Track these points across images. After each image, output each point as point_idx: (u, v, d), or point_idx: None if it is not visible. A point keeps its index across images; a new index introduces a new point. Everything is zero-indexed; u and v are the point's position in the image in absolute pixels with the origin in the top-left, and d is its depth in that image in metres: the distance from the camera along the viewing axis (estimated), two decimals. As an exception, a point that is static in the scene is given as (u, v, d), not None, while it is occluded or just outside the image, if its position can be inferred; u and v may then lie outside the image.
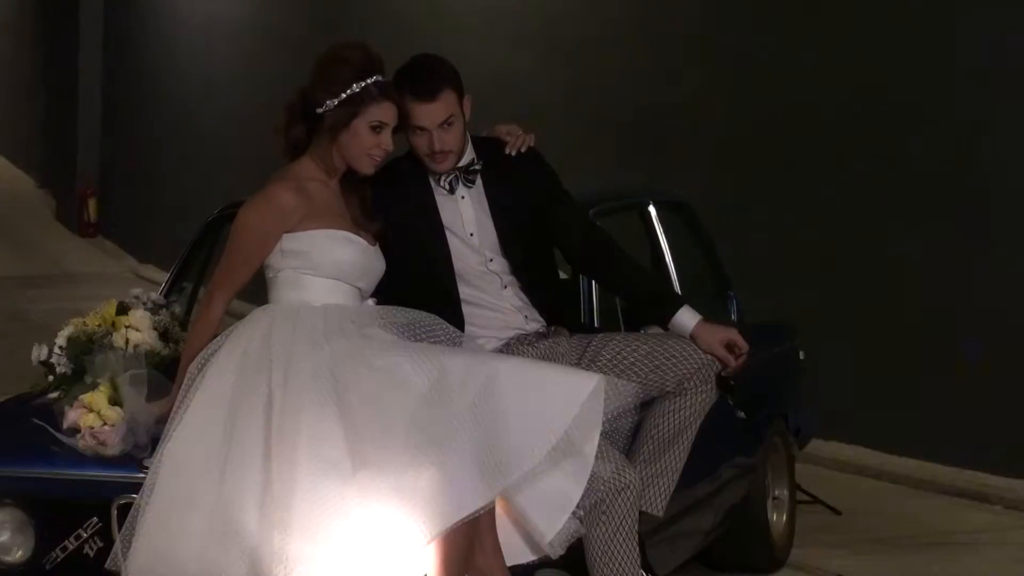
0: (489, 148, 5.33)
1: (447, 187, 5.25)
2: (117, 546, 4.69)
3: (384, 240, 5.06)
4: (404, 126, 5.11)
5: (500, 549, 4.72)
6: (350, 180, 5.03)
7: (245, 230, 4.94)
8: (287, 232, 4.89)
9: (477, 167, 5.26)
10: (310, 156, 4.98)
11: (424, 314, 4.98)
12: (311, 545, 4.51)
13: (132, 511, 4.69)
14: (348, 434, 4.56)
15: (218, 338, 4.87)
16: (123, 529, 4.70)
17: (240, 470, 4.59)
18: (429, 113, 5.11)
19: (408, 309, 4.98)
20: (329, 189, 4.99)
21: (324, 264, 4.90)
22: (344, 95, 4.90)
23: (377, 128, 4.94)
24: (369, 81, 4.92)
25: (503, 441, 4.57)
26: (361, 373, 4.66)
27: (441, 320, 4.99)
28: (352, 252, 4.94)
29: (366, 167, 4.98)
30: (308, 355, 4.70)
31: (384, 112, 4.94)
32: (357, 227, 4.98)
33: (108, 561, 4.71)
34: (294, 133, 4.98)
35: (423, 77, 5.15)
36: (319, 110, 4.92)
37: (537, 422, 4.62)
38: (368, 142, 4.94)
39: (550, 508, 4.73)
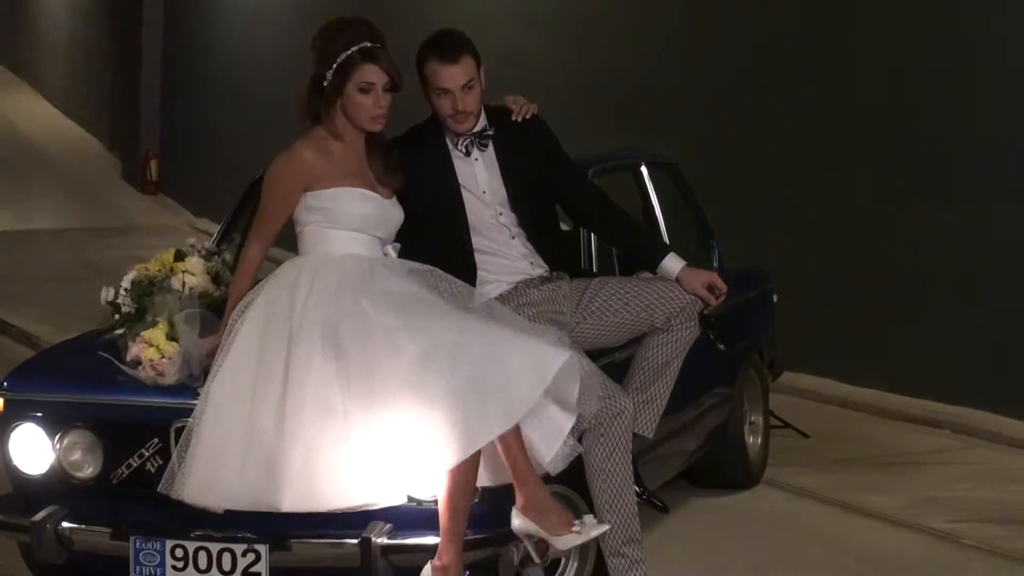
0: (500, 116, 5.32)
1: (463, 150, 5.23)
2: (173, 461, 4.73)
3: (403, 195, 5.06)
4: (428, 90, 5.12)
5: (529, 460, 4.75)
6: (376, 141, 5.03)
7: (273, 183, 4.97)
8: (309, 191, 4.90)
9: (490, 133, 5.25)
10: (324, 122, 4.99)
11: (430, 267, 5.00)
12: (321, 467, 4.61)
13: (185, 432, 4.74)
14: (343, 387, 4.64)
15: (256, 287, 4.91)
16: (178, 446, 4.75)
17: (265, 405, 4.68)
18: (453, 75, 5.10)
19: (418, 264, 5.00)
20: (348, 149, 4.98)
21: (343, 218, 4.91)
22: (335, 64, 4.90)
23: (365, 89, 4.92)
24: (354, 49, 4.91)
25: (480, 406, 4.60)
26: (362, 334, 4.69)
27: (446, 274, 5.01)
28: (367, 206, 4.94)
29: (369, 124, 4.97)
30: (321, 312, 4.74)
31: (369, 73, 4.91)
32: (374, 183, 4.99)
33: (161, 485, 4.75)
34: (311, 104, 4.98)
35: (447, 44, 5.14)
36: (325, 82, 4.92)
37: (513, 387, 4.64)
38: (362, 102, 4.92)
39: (547, 436, 4.79)
